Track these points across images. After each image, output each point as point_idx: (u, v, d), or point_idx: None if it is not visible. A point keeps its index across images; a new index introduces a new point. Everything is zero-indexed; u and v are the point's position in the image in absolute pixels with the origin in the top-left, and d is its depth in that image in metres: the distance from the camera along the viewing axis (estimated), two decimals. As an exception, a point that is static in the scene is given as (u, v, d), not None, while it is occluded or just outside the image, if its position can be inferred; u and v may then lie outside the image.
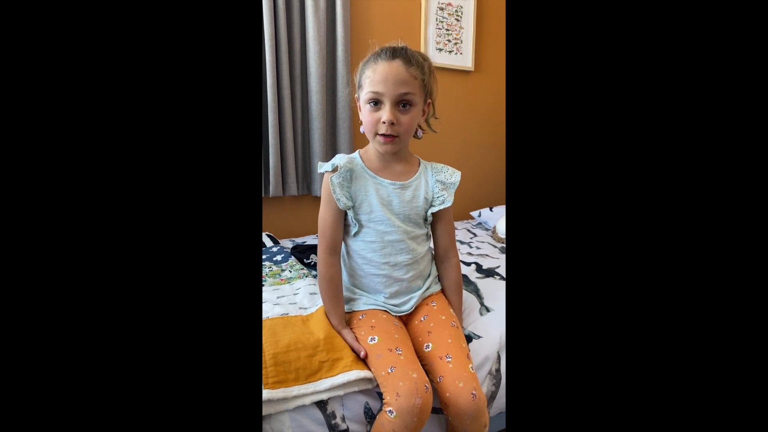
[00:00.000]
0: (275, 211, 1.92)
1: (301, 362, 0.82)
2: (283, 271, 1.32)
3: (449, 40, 2.22)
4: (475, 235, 1.96)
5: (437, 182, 1.00)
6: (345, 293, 1.00)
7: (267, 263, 1.39)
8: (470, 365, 0.86)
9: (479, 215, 2.17)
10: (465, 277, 1.31)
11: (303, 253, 1.47)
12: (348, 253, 1.02)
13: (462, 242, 1.80)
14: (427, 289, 1.03)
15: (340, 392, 0.82)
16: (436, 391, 0.83)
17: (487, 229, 2.07)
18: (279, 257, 1.44)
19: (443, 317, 0.96)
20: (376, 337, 0.88)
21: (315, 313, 0.99)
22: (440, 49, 2.20)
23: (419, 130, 1.00)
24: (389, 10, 2.05)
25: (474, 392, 0.80)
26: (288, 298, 1.12)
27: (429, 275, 1.05)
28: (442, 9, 2.16)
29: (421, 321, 0.97)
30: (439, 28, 2.18)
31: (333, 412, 0.81)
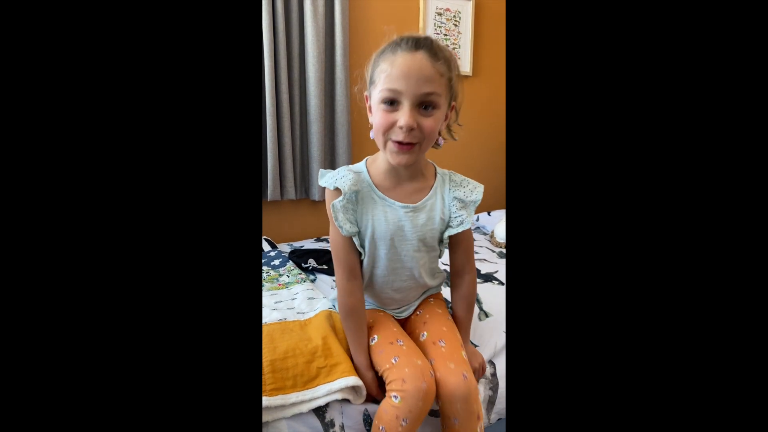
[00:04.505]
0: (273, 215, 1.91)
1: (299, 369, 0.82)
2: (280, 275, 1.32)
3: (447, 45, 2.23)
4: (473, 239, 1.95)
5: (455, 200, 0.87)
6: None
7: (265, 268, 1.39)
8: (463, 352, 0.82)
9: (477, 219, 2.17)
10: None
11: (301, 258, 1.47)
12: None
13: (460, 247, 1.80)
14: (425, 293, 1.01)
15: (338, 396, 0.81)
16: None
17: (485, 234, 2.07)
18: (277, 262, 1.43)
19: (440, 311, 0.94)
20: (376, 336, 0.86)
21: (313, 318, 0.99)
22: (438, 54, 2.21)
23: (440, 138, 0.85)
24: (387, 15, 2.06)
25: (465, 374, 0.77)
26: (286, 303, 1.11)
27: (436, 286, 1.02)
28: (440, 14, 2.17)
29: (417, 315, 0.95)
30: (438, 33, 2.18)
31: (332, 420, 0.80)
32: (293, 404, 0.78)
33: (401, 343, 0.81)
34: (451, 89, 0.78)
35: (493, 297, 1.21)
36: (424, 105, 0.74)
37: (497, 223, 1.97)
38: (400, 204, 0.84)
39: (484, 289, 1.26)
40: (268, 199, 1.80)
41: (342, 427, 0.81)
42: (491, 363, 1.00)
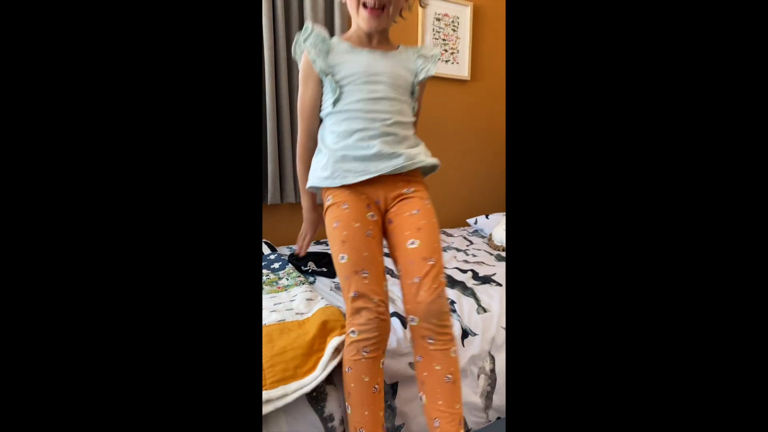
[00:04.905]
0: (273, 218, 1.93)
1: (299, 360, 0.84)
2: (280, 279, 1.33)
3: (446, 50, 2.25)
4: (471, 242, 1.97)
5: (419, 57, 1.00)
6: (330, 167, 0.93)
7: (264, 271, 1.40)
8: (443, 271, 0.90)
9: (475, 222, 2.19)
10: (462, 284, 1.32)
11: (300, 261, 1.48)
12: (330, 131, 0.96)
13: (458, 249, 1.81)
14: (416, 148, 0.98)
15: (335, 362, 0.85)
16: (406, 288, 0.87)
17: (483, 237, 2.08)
18: (276, 265, 1.44)
19: (434, 221, 0.95)
20: (345, 256, 0.87)
21: (311, 317, 1.00)
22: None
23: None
24: (386, 21, 2.08)
25: (441, 294, 0.86)
26: (285, 304, 1.12)
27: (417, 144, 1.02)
28: (438, 19, 2.20)
29: (413, 214, 0.93)
30: (436, 38, 2.21)
31: (331, 414, 0.82)
32: (294, 391, 0.80)
33: (365, 275, 0.85)
34: None
35: (490, 297, 1.22)
36: None
37: (495, 226, 1.98)
38: (369, 50, 0.95)
39: (482, 290, 1.27)
40: (268, 203, 1.81)
41: (342, 421, 0.82)
42: (491, 357, 1.02)
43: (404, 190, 0.95)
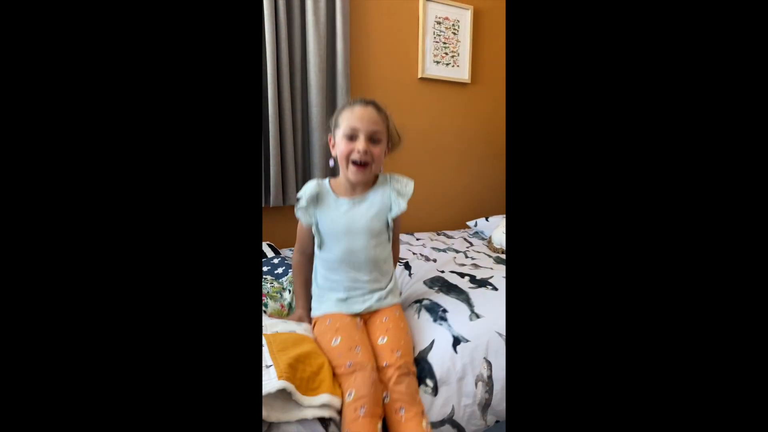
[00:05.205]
0: (276, 220, 1.95)
1: (306, 374, 0.86)
2: (284, 289, 1.34)
3: (446, 53, 2.27)
4: (471, 244, 1.99)
5: (393, 191, 1.18)
6: (319, 301, 1.17)
7: (268, 277, 1.41)
8: (413, 364, 1.01)
9: (475, 225, 2.21)
10: (456, 286, 1.35)
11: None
12: (321, 270, 1.19)
13: (457, 251, 1.84)
14: (386, 297, 1.16)
15: (335, 413, 0.86)
16: (379, 371, 0.97)
17: (483, 239, 2.11)
18: (280, 270, 1.46)
19: (402, 325, 1.11)
20: (339, 338, 1.01)
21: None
22: (437, 62, 2.25)
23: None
24: (388, 25, 2.10)
25: (410, 378, 0.96)
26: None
27: (390, 280, 1.20)
28: (439, 23, 2.21)
29: (382, 321, 1.11)
30: (437, 42, 2.22)
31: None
32: (294, 402, 0.82)
33: (358, 350, 0.98)
34: (388, 131, 1.14)
35: (486, 300, 1.24)
36: (372, 139, 1.09)
37: (494, 228, 2.01)
38: (347, 198, 1.15)
39: (477, 294, 1.29)
40: (271, 205, 1.84)
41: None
42: (487, 362, 1.04)
43: (377, 308, 1.16)
